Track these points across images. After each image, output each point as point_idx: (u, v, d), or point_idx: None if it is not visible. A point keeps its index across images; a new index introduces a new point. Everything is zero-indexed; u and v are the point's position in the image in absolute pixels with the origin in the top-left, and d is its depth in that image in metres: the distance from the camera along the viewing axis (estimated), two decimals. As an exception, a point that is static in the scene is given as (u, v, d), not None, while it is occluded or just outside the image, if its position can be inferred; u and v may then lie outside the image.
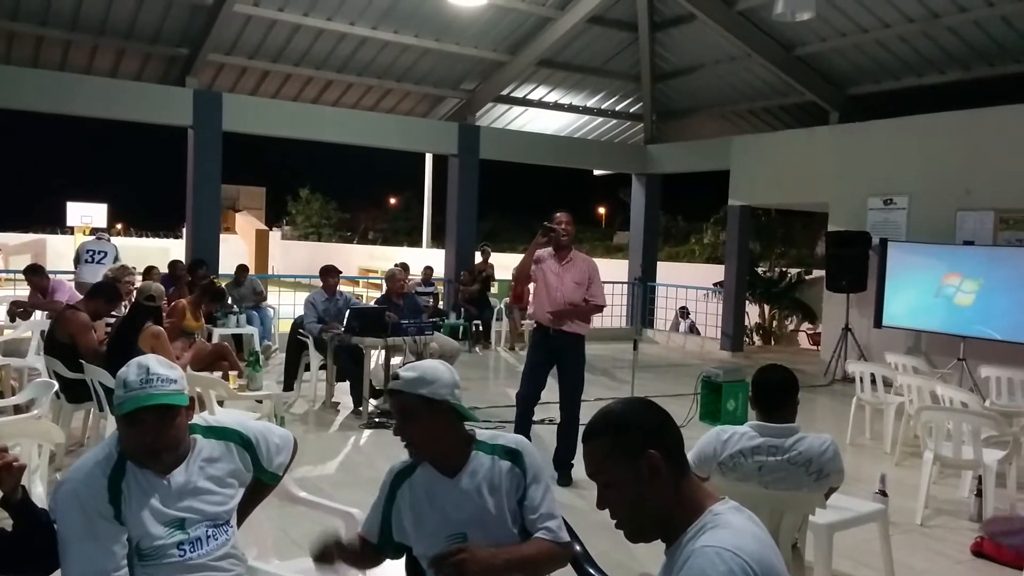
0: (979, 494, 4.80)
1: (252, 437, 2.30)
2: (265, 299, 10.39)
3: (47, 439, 3.51)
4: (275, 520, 4.06)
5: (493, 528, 2.14)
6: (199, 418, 2.27)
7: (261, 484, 2.37)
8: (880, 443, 6.56)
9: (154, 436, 2.04)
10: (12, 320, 7.93)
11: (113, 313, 6.03)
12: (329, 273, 7.66)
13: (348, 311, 7.15)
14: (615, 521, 1.59)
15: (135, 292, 5.65)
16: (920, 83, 10.71)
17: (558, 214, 5.36)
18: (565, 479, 5.33)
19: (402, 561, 2.31)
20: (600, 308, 5.44)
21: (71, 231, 23.66)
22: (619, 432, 1.57)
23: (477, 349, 11.65)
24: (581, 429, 5.12)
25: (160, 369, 2.07)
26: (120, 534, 2.02)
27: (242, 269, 10.40)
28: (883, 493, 4.04)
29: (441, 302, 12.58)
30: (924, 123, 9.85)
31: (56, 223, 27.44)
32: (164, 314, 5.98)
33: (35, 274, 7.84)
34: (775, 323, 16.80)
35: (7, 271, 16.04)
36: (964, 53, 9.94)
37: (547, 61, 12.52)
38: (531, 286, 5.75)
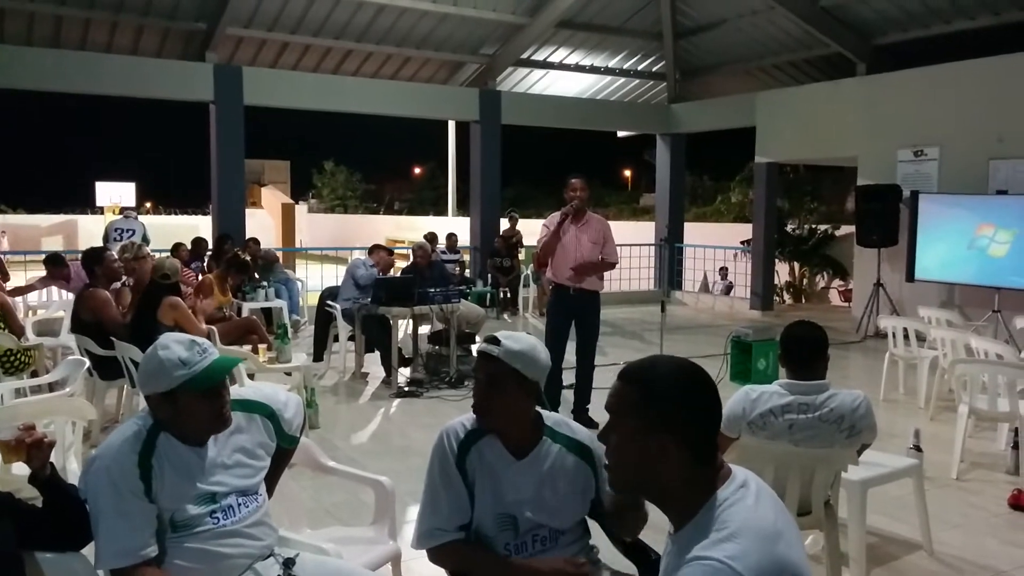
0: (1015, 447, 4.74)
1: (275, 408, 2.33)
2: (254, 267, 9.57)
3: (80, 416, 3.48)
4: (308, 490, 4.13)
5: (542, 516, 2.16)
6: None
7: (283, 450, 2.39)
8: (914, 398, 6.49)
9: (223, 402, 2.09)
10: None
11: (118, 283, 6.08)
12: (380, 248, 8.33)
13: (374, 281, 7.27)
14: (606, 462, 1.50)
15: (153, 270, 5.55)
16: (949, 30, 10.37)
17: (572, 180, 5.60)
18: (587, 423, 5.46)
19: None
20: (613, 265, 5.77)
21: (101, 211, 23.97)
22: (647, 395, 1.43)
23: (505, 316, 11.67)
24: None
25: (200, 340, 2.12)
26: (149, 513, 2.02)
27: (253, 241, 10.42)
28: (917, 448, 3.99)
29: (467, 270, 12.58)
30: (954, 71, 9.55)
31: (86, 204, 27.84)
32: (184, 288, 6.01)
33: (55, 264, 7.83)
34: (805, 281, 16.59)
35: (13, 252, 15.87)
36: (995, -3, 9.61)
37: (567, 22, 12.31)
38: None
